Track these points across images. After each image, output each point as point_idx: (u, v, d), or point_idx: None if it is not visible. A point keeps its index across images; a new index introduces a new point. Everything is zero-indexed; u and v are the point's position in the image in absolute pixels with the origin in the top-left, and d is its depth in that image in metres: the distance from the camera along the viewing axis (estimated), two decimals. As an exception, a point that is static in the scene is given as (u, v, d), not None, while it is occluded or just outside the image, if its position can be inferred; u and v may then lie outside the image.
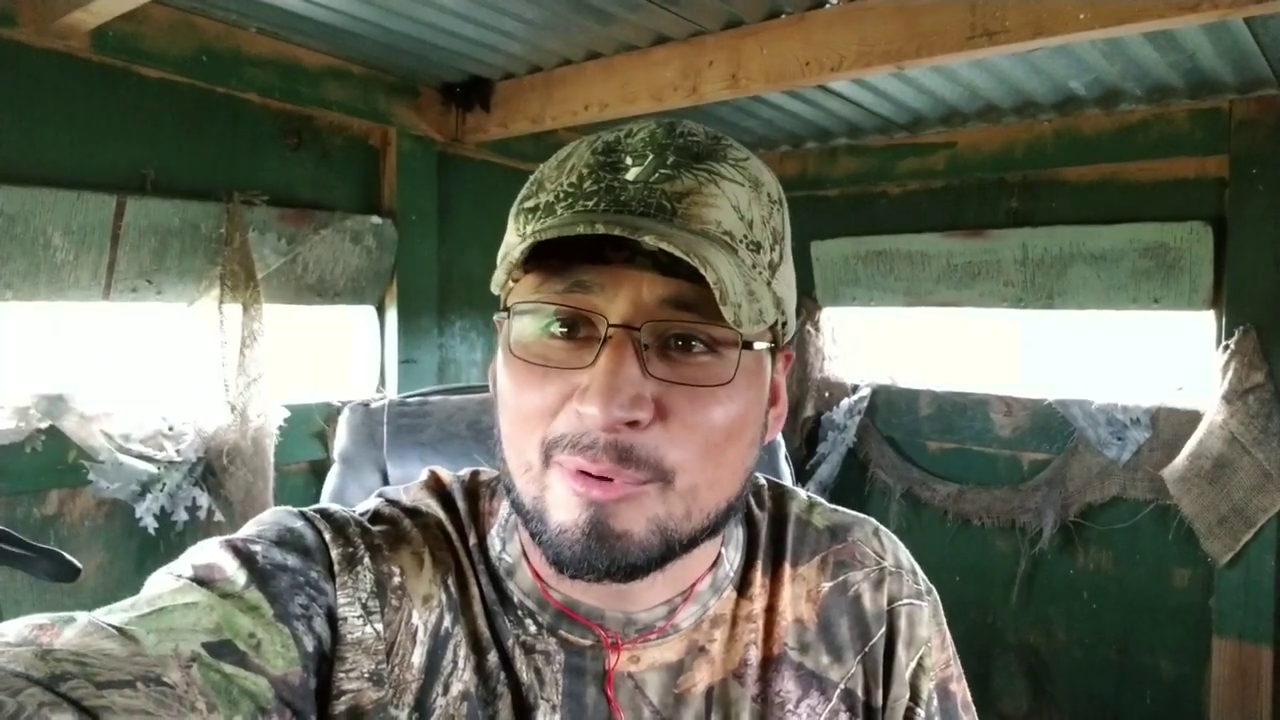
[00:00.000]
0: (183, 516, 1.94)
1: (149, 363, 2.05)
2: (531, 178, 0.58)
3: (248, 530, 0.56)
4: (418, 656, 0.56)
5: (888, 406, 2.96)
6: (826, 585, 0.65)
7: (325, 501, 0.92)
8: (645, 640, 0.60)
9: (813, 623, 0.64)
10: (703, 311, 0.50)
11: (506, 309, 0.54)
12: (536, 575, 0.60)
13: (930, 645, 0.67)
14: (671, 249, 0.46)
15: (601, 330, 0.50)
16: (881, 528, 0.71)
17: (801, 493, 0.72)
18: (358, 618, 0.54)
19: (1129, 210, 2.48)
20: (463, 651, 0.57)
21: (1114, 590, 2.54)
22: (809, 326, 3.08)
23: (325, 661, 0.52)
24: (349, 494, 0.92)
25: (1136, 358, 2.71)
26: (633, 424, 0.49)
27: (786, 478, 1.04)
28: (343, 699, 0.52)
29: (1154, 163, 2.44)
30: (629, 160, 0.54)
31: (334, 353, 2.45)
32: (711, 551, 0.62)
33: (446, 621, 0.57)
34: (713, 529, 0.56)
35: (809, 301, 3.08)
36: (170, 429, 1.94)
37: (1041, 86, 2.30)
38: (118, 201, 1.80)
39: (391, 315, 2.41)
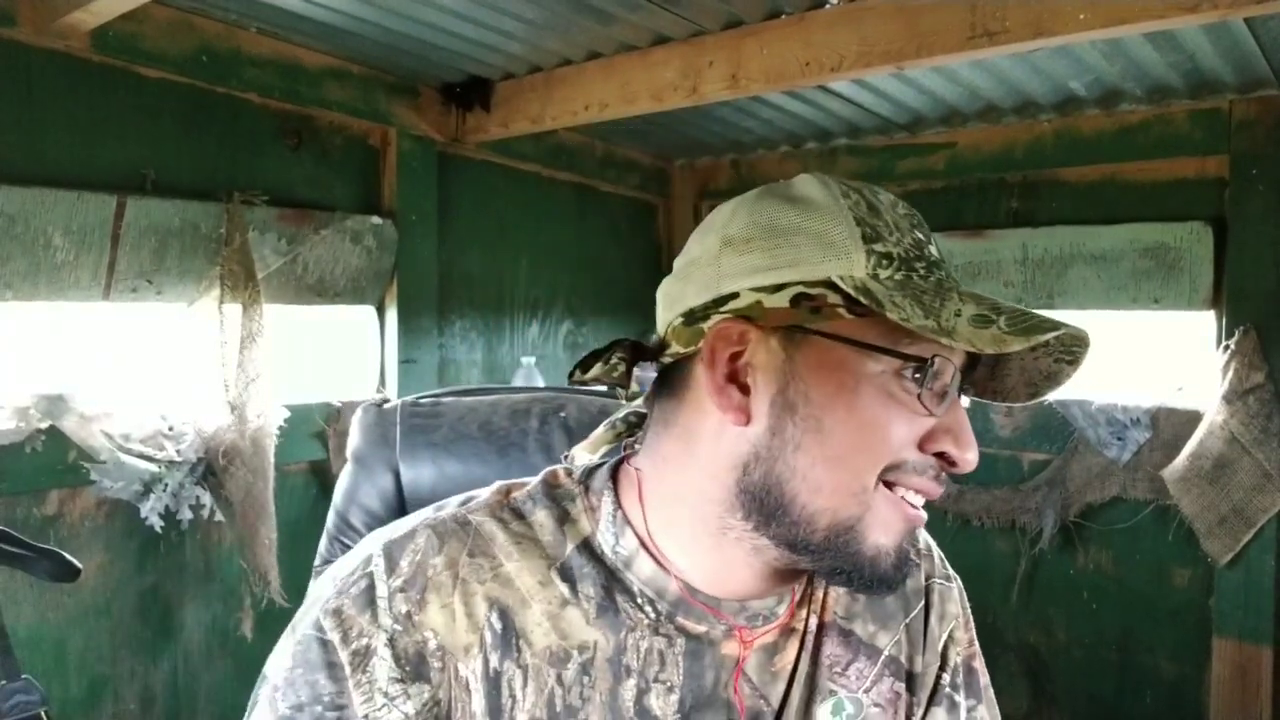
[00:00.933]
0: (187, 515, 1.94)
1: (149, 363, 2.05)
2: (858, 201, 0.60)
3: (280, 696, 0.58)
4: (477, 704, 0.59)
5: (888, 406, 2.96)
6: None
7: (338, 499, 0.93)
8: (753, 628, 0.64)
9: (860, 594, 0.69)
10: None
11: (893, 352, 0.56)
12: (659, 563, 0.62)
13: (958, 621, 0.74)
14: (1072, 330, 0.56)
15: (950, 381, 0.57)
16: None
17: None
18: (380, 709, 0.58)
19: (1129, 210, 2.48)
20: (518, 683, 0.60)
21: (1114, 590, 2.54)
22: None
23: None
24: (361, 493, 0.93)
25: (1137, 358, 2.71)
26: None
27: None
28: None
29: (1154, 163, 2.44)
30: (921, 229, 0.62)
31: (335, 353, 2.45)
32: None
33: (494, 661, 0.60)
34: None
35: (809, 301, 3.08)
36: (170, 429, 1.94)
37: (1041, 87, 2.30)
38: (118, 201, 1.80)
39: (391, 315, 2.41)
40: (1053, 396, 2.56)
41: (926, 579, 0.74)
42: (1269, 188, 2.25)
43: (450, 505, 0.66)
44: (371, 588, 0.60)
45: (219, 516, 1.99)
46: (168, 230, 1.90)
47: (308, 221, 2.16)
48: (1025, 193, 2.67)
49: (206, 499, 1.97)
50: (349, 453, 0.95)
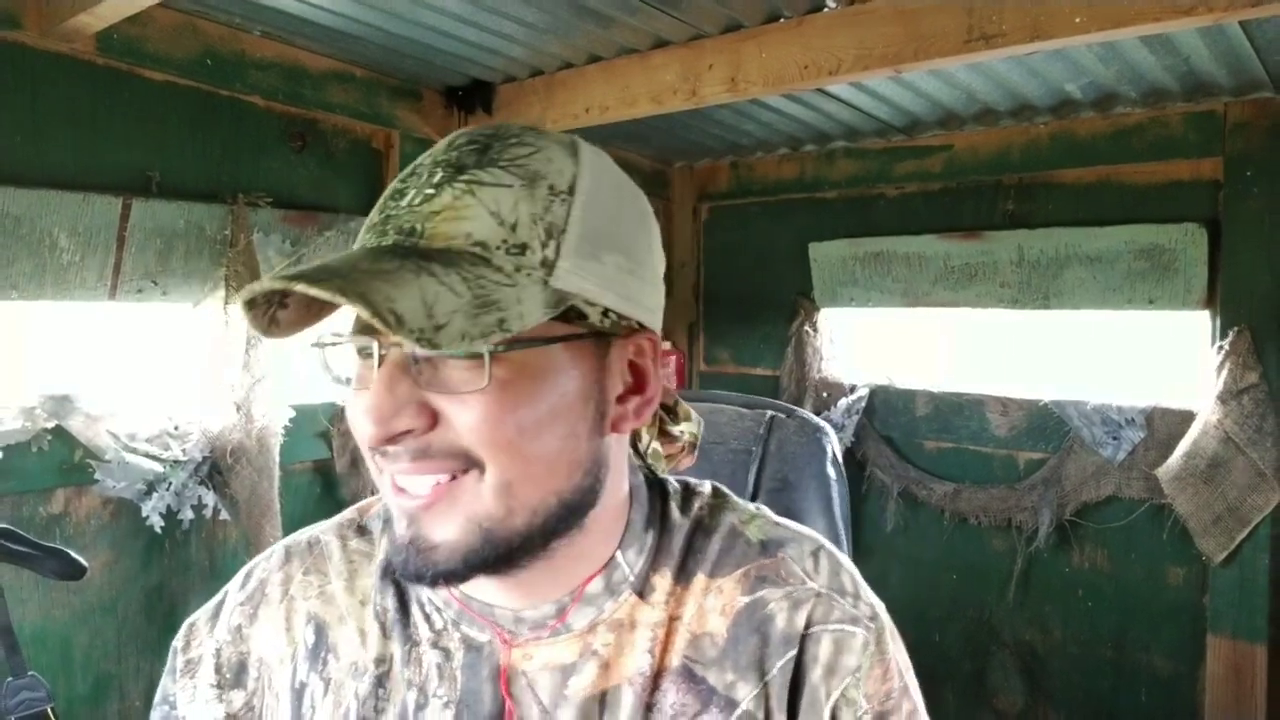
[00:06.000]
0: (189, 515, 1.96)
1: (154, 363, 2.07)
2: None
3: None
4: (282, 713, 0.64)
5: (885, 406, 2.98)
6: (743, 600, 0.63)
7: None
8: (537, 639, 0.61)
9: (722, 638, 0.62)
10: None
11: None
12: None
13: (861, 675, 0.61)
14: (319, 293, 0.46)
15: (377, 351, 0.54)
16: (827, 548, 0.67)
17: (748, 506, 0.70)
18: (198, 710, 0.65)
19: (1124, 212, 2.50)
20: (318, 695, 0.64)
21: (1109, 588, 2.56)
22: (807, 327, 3.10)
23: None
24: None
25: (1132, 358, 2.73)
26: (405, 433, 0.53)
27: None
28: None
29: (1149, 165, 2.45)
30: (412, 184, 0.56)
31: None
32: (599, 551, 0.62)
33: (301, 673, 0.65)
34: (549, 528, 0.56)
35: (807, 302, 3.10)
36: (175, 428, 1.95)
37: (1038, 90, 2.32)
38: (123, 203, 1.82)
39: (393, 316, 2.42)
40: (1048, 397, 2.59)
41: (809, 626, 0.62)
42: (1263, 189, 2.27)
43: (346, 513, 0.72)
44: (222, 603, 0.69)
45: (224, 515, 2.01)
46: (173, 232, 1.92)
47: (312, 223, 2.18)
48: (1021, 195, 2.69)
49: (210, 499, 1.99)
50: None
